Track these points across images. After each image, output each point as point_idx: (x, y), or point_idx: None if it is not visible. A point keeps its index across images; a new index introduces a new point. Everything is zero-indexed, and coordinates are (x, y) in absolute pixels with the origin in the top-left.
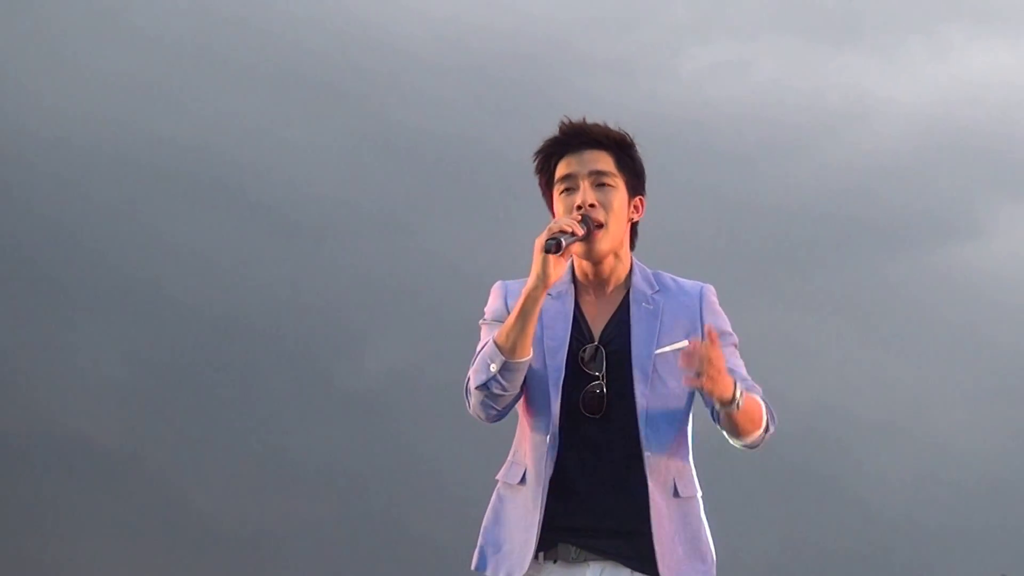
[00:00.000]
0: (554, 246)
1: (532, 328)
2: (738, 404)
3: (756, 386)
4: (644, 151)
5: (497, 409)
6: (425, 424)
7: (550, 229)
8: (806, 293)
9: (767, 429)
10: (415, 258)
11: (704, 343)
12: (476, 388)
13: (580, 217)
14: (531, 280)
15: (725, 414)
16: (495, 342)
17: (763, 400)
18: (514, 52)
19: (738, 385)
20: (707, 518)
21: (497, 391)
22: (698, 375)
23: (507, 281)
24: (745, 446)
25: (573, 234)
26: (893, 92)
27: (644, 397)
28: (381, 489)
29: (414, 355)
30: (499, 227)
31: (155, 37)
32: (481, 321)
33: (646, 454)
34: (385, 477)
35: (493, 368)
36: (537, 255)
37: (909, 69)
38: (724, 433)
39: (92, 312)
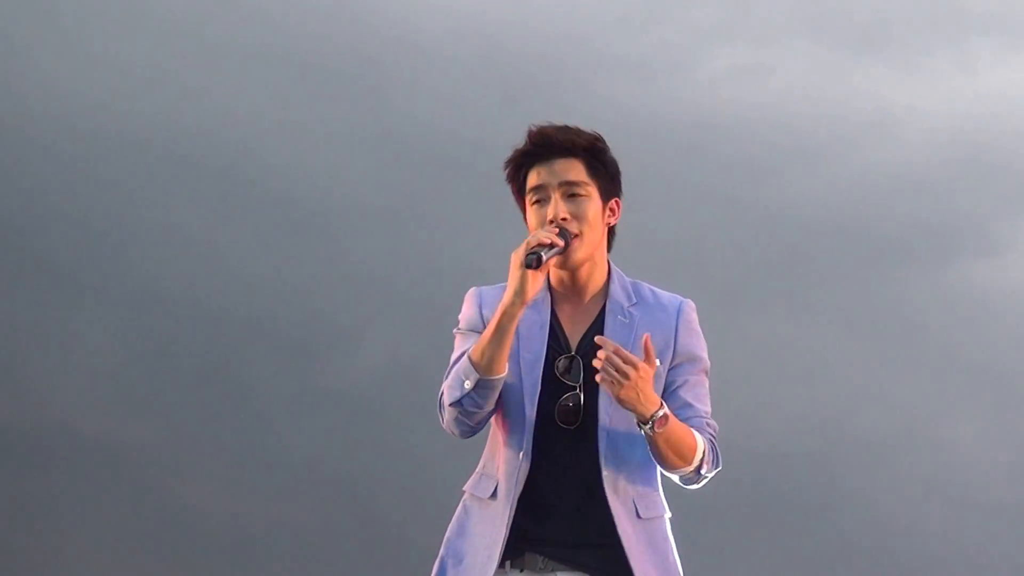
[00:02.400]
0: (535, 261)
1: (508, 345)
2: (651, 427)
3: (712, 431)
4: (659, 152)
5: (471, 425)
6: (421, 421)
7: (528, 243)
8: (814, 305)
9: (700, 469)
10: (415, 254)
11: (627, 355)
12: (450, 405)
13: (558, 230)
14: (508, 296)
15: (643, 433)
16: (470, 359)
17: (708, 442)
18: (530, 50)
19: (660, 411)
20: (674, 538)
21: (471, 408)
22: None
23: (482, 288)
24: (679, 480)
25: (552, 246)
26: (916, 104)
27: (607, 415)
28: (374, 487)
29: (410, 351)
30: (499, 225)
31: (168, 22)
32: (455, 330)
33: (604, 473)
34: (379, 475)
35: (468, 385)
36: (515, 270)
37: (934, 82)
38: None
39: (88, 300)
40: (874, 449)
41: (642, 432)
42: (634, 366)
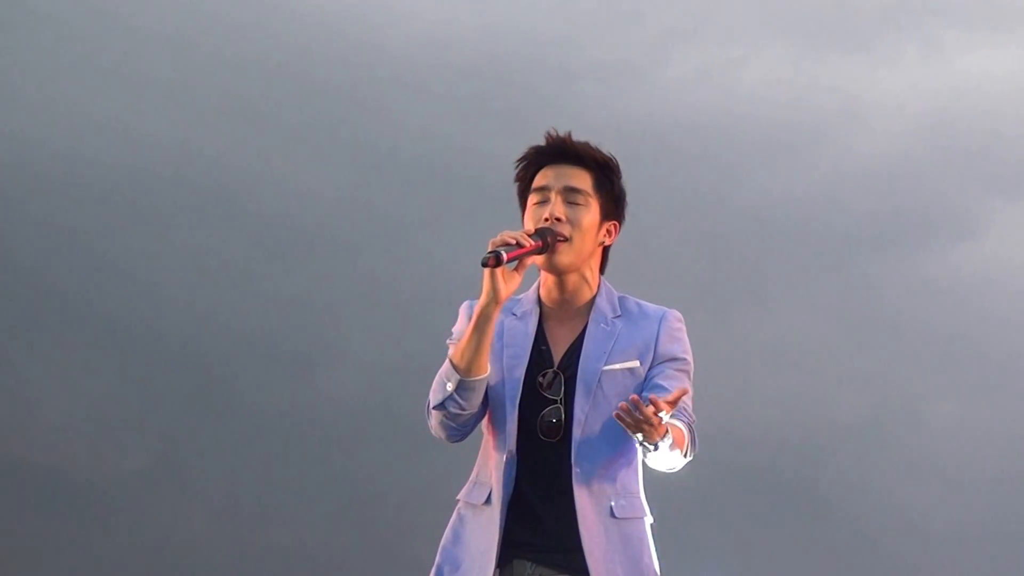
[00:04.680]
0: (492, 259)
1: (487, 346)
2: (656, 447)
3: (689, 415)
4: (631, 154)
5: (456, 428)
6: (412, 429)
7: (493, 241)
8: (795, 297)
9: (685, 455)
10: (404, 263)
11: (647, 408)
12: (434, 408)
13: (534, 229)
14: (482, 297)
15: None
16: (451, 361)
17: (688, 429)
18: (505, 56)
19: (666, 438)
20: (655, 542)
21: (455, 410)
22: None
23: (474, 300)
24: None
25: (518, 244)
26: (884, 94)
27: (583, 412)
28: (372, 497)
29: (400, 357)
30: (488, 232)
31: (146, 35)
32: (448, 340)
33: (575, 470)
34: (375, 484)
35: (449, 387)
36: (486, 271)
37: (900, 71)
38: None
39: (55, 340)
40: (859, 432)
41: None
42: (656, 415)
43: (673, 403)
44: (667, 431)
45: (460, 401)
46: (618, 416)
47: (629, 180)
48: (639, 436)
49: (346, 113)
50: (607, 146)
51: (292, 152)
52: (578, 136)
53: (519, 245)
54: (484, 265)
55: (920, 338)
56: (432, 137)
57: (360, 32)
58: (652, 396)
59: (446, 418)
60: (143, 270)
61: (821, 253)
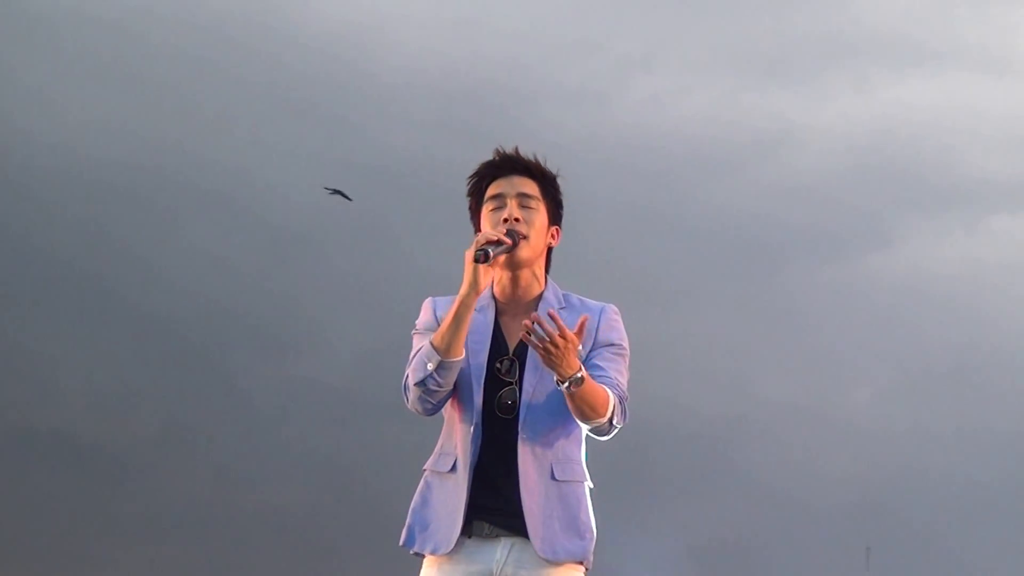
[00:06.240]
0: (483, 256)
1: (464, 331)
2: (569, 387)
3: (621, 390)
4: (589, 171)
5: (432, 403)
6: (387, 407)
7: (478, 241)
8: (731, 299)
9: (611, 421)
10: (380, 261)
11: (560, 328)
12: (415, 385)
13: (505, 230)
14: (464, 288)
15: (563, 391)
16: (432, 344)
17: (617, 398)
18: (476, 83)
19: (578, 374)
20: (593, 506)
21: (433, 387)
22: (541, 343)
23: (436, 297)
24: (592, 431)
25: (500, 243)
26: (814, 121)
27: (531, 386)
28: (366, 478)
29: (375, 345)
30: (455, 237)
31: (169, 56)
32: (413, 331)
33: (521, 435)
34: (353, 457)
35: (430, 367)
36: (468, 265)
37: (829, 101)
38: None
39: (72, 321)
40: (787, 410)
41: (561, 390)
42: (561, 338)
43: (579, 332)
44: (580, 369)
45: (438, 379)
46: (525, 337)
47: (587, 194)
48: (555, 369)
49: (335, 128)
50: (568, 163)
51: (283, 160)
52: (534, 151)
53: (499, 243)
54: (477, 261)
55: (841, 334)
56: (410, 152)
57: (352, 58)
58: (551, 311)
59: (424, 394)
60: (153, 261)
61: (755, 259)
